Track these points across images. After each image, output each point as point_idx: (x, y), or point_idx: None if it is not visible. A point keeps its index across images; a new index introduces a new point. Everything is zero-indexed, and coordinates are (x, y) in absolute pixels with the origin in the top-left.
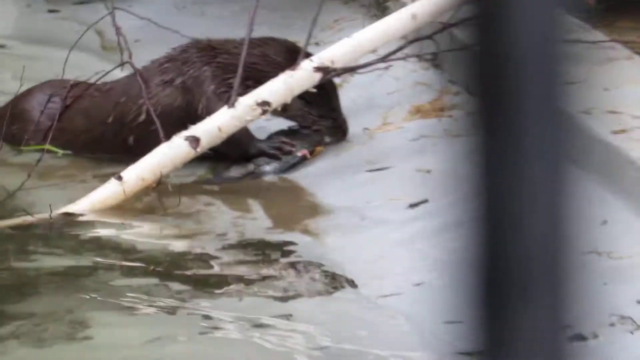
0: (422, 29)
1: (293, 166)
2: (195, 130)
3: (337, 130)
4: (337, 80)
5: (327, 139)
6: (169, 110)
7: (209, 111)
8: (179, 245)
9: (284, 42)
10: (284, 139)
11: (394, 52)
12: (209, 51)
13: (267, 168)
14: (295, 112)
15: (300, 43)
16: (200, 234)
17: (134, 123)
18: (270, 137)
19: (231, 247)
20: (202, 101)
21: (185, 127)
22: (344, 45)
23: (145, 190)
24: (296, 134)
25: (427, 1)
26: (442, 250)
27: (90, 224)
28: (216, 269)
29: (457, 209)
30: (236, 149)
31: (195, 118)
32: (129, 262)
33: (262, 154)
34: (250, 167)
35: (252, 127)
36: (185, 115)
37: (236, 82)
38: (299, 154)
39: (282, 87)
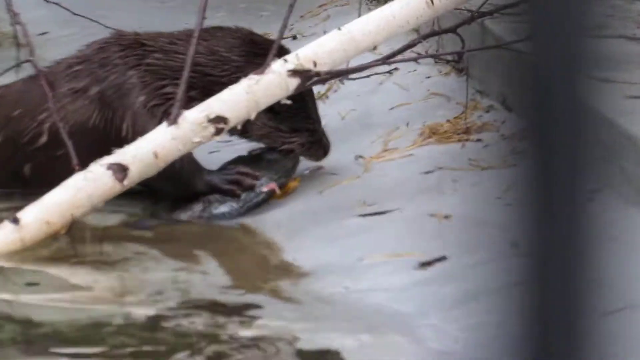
0: (441, 19)
1: (256, 206)
2: (121, 155)
3: (314, 147)
4: (318, 87)
5: (306, 169)
6: (81, 130)
7: (137, 131)
8: (95, 312)
9: (244, 33)
10: (244, 169)
11: (400, 51)
12: (136, 49)
13: (221, 209)
14: (260, 131)
15: (271, 36)
16: (127, 293)
17: (33, 146)
18: (225, 166)
19: (170, 311)
20: (126, 118)
21: (104, 153)
22: (332, 39)
23: (51, 237)
24: (260, 161)
25: None
26: (463, 328)
27: None
28: (146, 348)
29: (487, 271)
30: (178, 183)
31: (118, 141)
32: (24, 340)
33: (214, 189)
34: (198, 207)
35: (199, 153)
36: (104, 138)
37: (180, 88)
38: (265, 189)
39: (243, 97)
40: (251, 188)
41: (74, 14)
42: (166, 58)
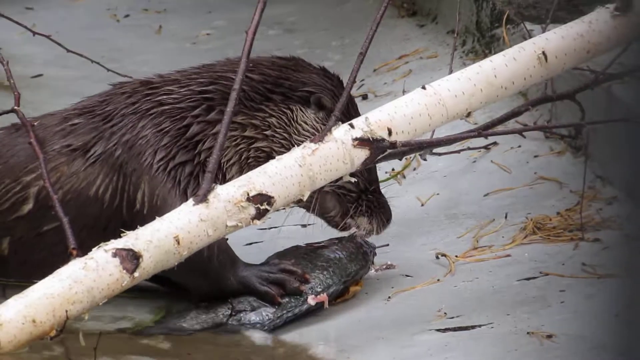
0: (555, 81)
1: (297, 317)
2: (133, 239)
3: (377, 212)
4: (392, 163)
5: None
6: (80, 200)
7: (156, 204)
8: None
9: (309, 68)
10: (291, 266)
11: (502, 120)
12: (144, 91)
13: (252, 317)
14: (323, 208)
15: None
16: None
17: (14, 215)
18: (271, 260)
19: None
20: (142, 185)
21: (110, 234)
22: (413, 101)
23: (38, 340)
24: (317, 258)
25: (566, 31)
26: None
27: None
28: None
29: None
30: (204, 278)
31: (130, 217)
32: None
33: (249, 290)
34: (223, 312)
35: (233, 240)
36: (110, 212)
37: (214, 154)
38: (312, 301)
39: (294, 171)
40: (297, 293)
41: (69, 51)
42: (183, 91)
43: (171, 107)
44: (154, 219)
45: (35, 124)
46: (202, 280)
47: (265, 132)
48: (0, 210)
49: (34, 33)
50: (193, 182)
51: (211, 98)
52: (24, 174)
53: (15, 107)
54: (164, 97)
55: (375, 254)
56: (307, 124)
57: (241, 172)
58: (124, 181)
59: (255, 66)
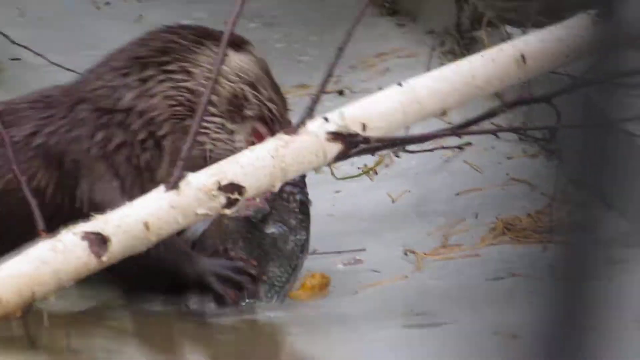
0: (532, 84)
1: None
2: (102, 223)
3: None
4: (364, 159)
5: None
6: (22, 194)
7: (96, 203)
8: None
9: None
10: (245, 267)
11: (476, 120)
12: (80, 80)
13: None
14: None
15: (310, 89)
16: None
17: None
18: (205, 240)
19: None
20: (80, 181)
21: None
22: (388, 97)
23: (3, 319)
24: (259, 232)
25: (546, 35)
26: None
27: None
28: None
29: None
30: (160, 276)
31: (74, 214)
32: None
33: (207, 286)
34: (189, 297)
35: None
36: (54, 208)
37: (191, 134)
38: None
39: (267, 162)
40: (255, 297)
41: (15, 43)
42: (115, 64)
43: (106, 84)
44: None
45: None
46: (160, 277)
47: (195, 70)
48: None
49: None
50: (132, 172)
51: (142, 57)
52: None
53: None
54: (99, 81)
55: (307, 195)
56: (237, 64)
57: (170, 129)
58: (63, 175)
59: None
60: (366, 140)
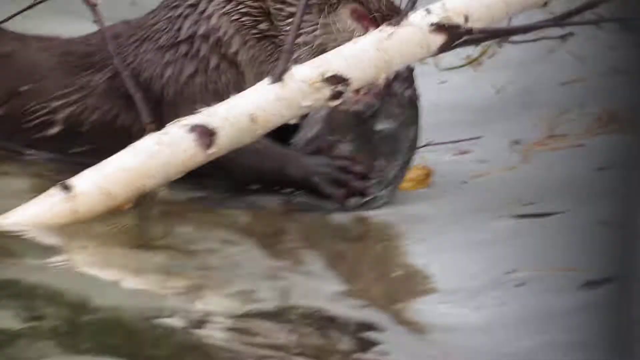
0: None
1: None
2: (209, 116)
3: None
4: (468, 50)
5: (446, 151)
6: (108, 132)
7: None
8: (167, 311)
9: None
10: (351, 166)
11: (579, 10)
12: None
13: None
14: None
15: None
16: (208, 289)
17: (39, 134)
18: (309, 137)
19: (264, 318)
20: (165, 118)
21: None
22: None
23: (114, 211)
24: (368, 134)
25: None
26: None
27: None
28: None
29: None
30: (262, 174)
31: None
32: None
33: (310, 186)
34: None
35: None
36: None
37: (292, 31)
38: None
39: (371, 54)
40: (363, 194)
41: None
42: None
43: (161, 19)
44: None
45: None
46: (267, 181)
47: None
48: (26, 128)
49: None
50: (211, 98)
51: None
52: (53, 99)
53: None
54: (156, 18)
55: (416, 90)
56: None
57: (242, 41)
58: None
59: None
60: (469, 31)
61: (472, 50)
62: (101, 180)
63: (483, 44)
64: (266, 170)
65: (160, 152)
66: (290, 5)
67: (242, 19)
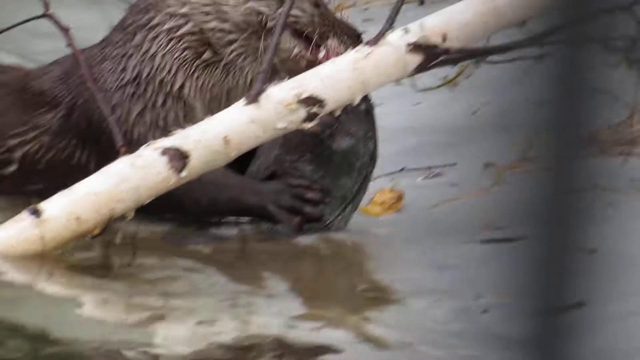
0: None
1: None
2: (181, 139)
3: (342, 30)
4: (445, 70)
5: (419, 175)
6: (65, 169)
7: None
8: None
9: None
10: (306, 191)
11: (557, 29)
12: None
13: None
14: (283, 52)
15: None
16: (170, 320)
17: None
18: (262, 160)
19: (224, 349)
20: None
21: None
22: (468, 8)
23: (81, 237)
24: (326, 154)
25: None
26: None
27: None
28: None
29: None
30: (218, 204)
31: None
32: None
33: (264, 214)
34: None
35: None
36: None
37: (268, 53)
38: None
39: (347, 75)
40: (318, 220)
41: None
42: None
43: (108, 57)
44: None
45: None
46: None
47: (182, 11)
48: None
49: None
50: (161, 134)
51: (128, 24)
52: (9, 137)
53: (49, 12)
54: (102, 57)
55: (371, 102)
56: None
57: (186, 75)
58: (101, 151)
59: None
60: (446, 51)
61: (448, 71)
62: (71, 205)
63: (460, 64)
64: (222, 200)
65: (133, 175)
66: (230, 32)
67: (184, 54)
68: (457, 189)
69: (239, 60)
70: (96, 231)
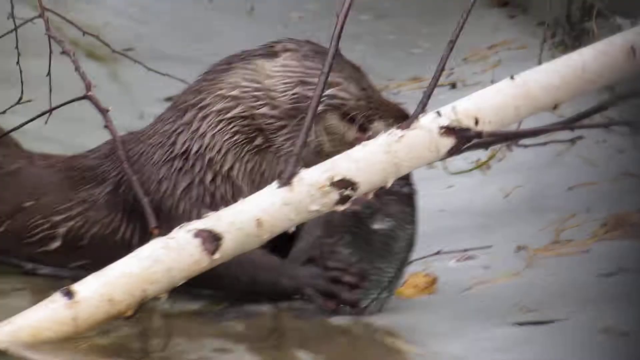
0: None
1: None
2: (214, 221)
3: (388, 112)
4: (477, 153)
5: (451, 257)
6: (108, 245)
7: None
8: None
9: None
10: (343, 275)
11: (588, 114)
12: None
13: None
14: (331, 133)
15: (424, 81)
16: None
17: (41, 248)
18: (307, 238)
19: None
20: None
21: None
22: (501, 92)
23: (114, 319)
24: (365, 237)
25: None
26: None
27: None
28: None
29: None
30: (254, 284)
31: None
32: None
33: (301, 296)
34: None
35: None
36: None
37: (301, 137)
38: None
39: (380, 157)
40: (353, 305)
41: (115, 51)
42: (157, 127)
43: (156, 134)
44: None
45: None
46: (254, 286)
47: (233, 94)
48: (29, 242)
49: (84, 33)
50: (208, 210)
51: (180, 102)
52: (54, 213)
53: (89, 93)
54: (152, 131)
55: (413, 186)
56: (277, 73)
57: (236, 158)
58: (145, 227)
59: None
60: (479, 134)
61: (481, 154)
62: (104, 287)
63: (492, 147)
64: (259, 281)
65: (166, 256)
66: (280, 119)
67: (235, 138)
68: (490, 271)
69: (289, 145)
70: (129, 312)
